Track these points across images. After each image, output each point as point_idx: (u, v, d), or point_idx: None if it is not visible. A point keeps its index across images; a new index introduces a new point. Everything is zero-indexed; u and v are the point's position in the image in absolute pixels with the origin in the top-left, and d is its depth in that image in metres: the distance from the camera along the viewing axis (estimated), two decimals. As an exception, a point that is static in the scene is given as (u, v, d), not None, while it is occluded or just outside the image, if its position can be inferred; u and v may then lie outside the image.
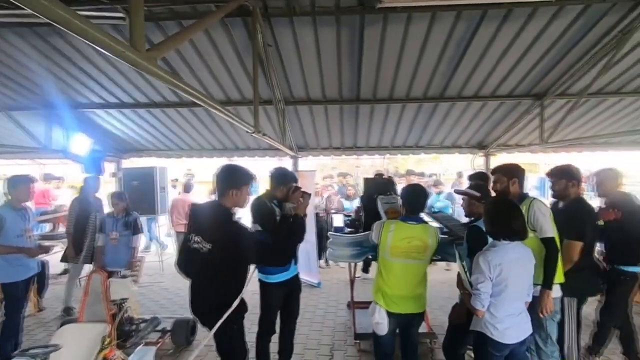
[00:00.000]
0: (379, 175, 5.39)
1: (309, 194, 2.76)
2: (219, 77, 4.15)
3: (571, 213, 2.79)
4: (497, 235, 2.11)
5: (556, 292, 2.52)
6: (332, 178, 9.32)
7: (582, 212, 2.80)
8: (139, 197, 6.38)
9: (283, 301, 3.07)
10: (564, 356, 2.93)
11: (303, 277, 3.31)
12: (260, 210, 2.81)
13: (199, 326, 4.05)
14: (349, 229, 4.47)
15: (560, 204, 3.00)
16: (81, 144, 5.20)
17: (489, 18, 3.19)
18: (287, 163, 6.25)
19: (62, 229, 6.70)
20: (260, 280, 2.98)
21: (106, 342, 3.18)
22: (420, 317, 2.65)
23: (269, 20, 3.26)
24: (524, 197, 2.71)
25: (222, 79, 4.18)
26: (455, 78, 4.16)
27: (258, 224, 2.83)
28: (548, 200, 3.21)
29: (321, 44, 3.58)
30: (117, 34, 3.40)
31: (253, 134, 3.20)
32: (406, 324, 2.62)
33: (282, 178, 2.93)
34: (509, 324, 2.09)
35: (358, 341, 3.83)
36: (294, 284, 3.12)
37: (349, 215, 5.38)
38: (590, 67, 3.76)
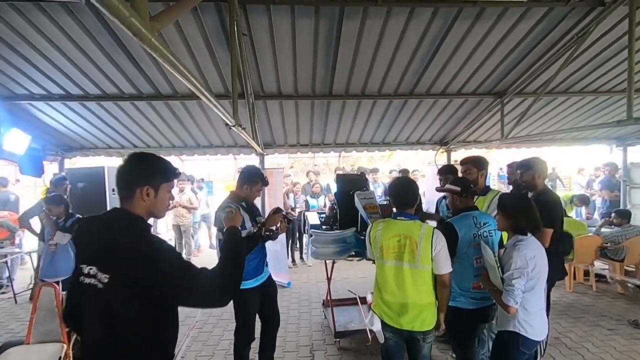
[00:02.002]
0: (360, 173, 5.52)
1: (291, 220, 2.67)
2: (186, 68, 3.84)
3: (541, 202, 2.93)
4: (524, 229, 2.08)
5: None
6: (289, 176, 9.15)
7: (551, 201, 2.97)
8: (87, 200, 5.79)
9: (260, 306, 2.93)
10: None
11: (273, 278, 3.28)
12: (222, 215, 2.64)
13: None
14: (325, 226, 4.41)
15: (530, 195, 3.18)
16: (17, 141, 4.54)
17: (463, 16, 3.30)
18: (253, 161, 6.02)
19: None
20: None
21: (63, 365, 2.81)
22: (429, 334, 2.24)
23: (244, 7, 3.07)
24: (487, 189, 2.88)
25: (190, 70, 3.87)
26: (426, 75, 4.26)
27: (220, 232, 2.67)
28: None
29: (298, 35, 3.46)
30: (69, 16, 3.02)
31: (233, 127, 3.00)
32: (410, 341, 2.27)
33: (247, 176, 2.81)
34: (540, 319, 2.04)
35: (338, 339, 3.78)
36: (269, 287, 2.99)
37: (321, 213, 5.32)
38: (547, 67, 4.06)
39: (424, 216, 3.06)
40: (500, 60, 4.03)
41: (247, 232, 2.63)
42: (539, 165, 3.05)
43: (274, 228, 2.81)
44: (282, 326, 4.24)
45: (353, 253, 3.37)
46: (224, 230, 1.68)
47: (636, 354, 3.53)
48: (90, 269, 1.31)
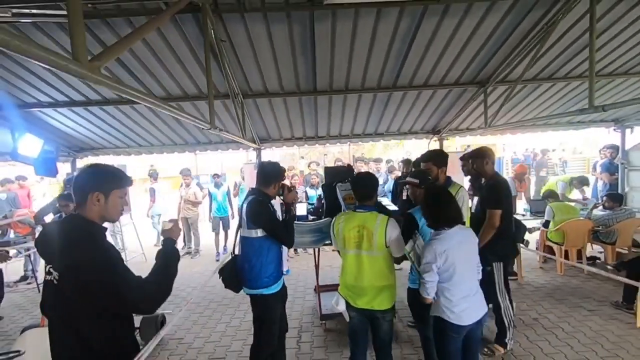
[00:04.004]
0: (339, 163, 5.70)
1: (296, 192, 2.88)
2: (174, 73, 4.13)
3: (490, 186, 3.24)
4: (437, 224, 2.20)
5: None
6: (293, 169, 9.31)
7: (498, 185, 3.23)
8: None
9: None
10: (501, 316, 3.30)
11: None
12: (267, 211, 2.64)
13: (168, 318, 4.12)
14: (312, 217, 4.67)
15: (483, 181, 3.43)
16: (31, 145, 4.96)
17: (429, 14, 3.42)
18: (251, 155, 6.29)
19: (11, 235, 6.41)
20: (259, 296, 2.68)
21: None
22: (388, 313, 2.45)
23: (220, 16, 3.29)
24: (450, 182, 3.02)
25: (178, 74, 4.15)
26: (405, 69, 4.39)
27: (263, 228, 2.62)
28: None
29: (274, 39, 3.66)
30: (63, 33, 3.32)
31: (209, 130, 3.26)
32: (372, 320, 2.49)
33: (275, 175, 2.75)
34: (465, 306, 2.15)
35: (324, 322, 4.06)
36: (285, 290, 2.90)
37: (313, 204, 5.56)
38: (523, 56, 4.12)
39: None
40: (475, 52, 4.12)
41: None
42: (486, 154, 3.34)
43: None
44: (275, 310, 4.61)
45: (329, 242, 3.61)
46: (163, 240, 1.79)
47: (610, 333, 3.63)
48: (50, 267, 1.50)
